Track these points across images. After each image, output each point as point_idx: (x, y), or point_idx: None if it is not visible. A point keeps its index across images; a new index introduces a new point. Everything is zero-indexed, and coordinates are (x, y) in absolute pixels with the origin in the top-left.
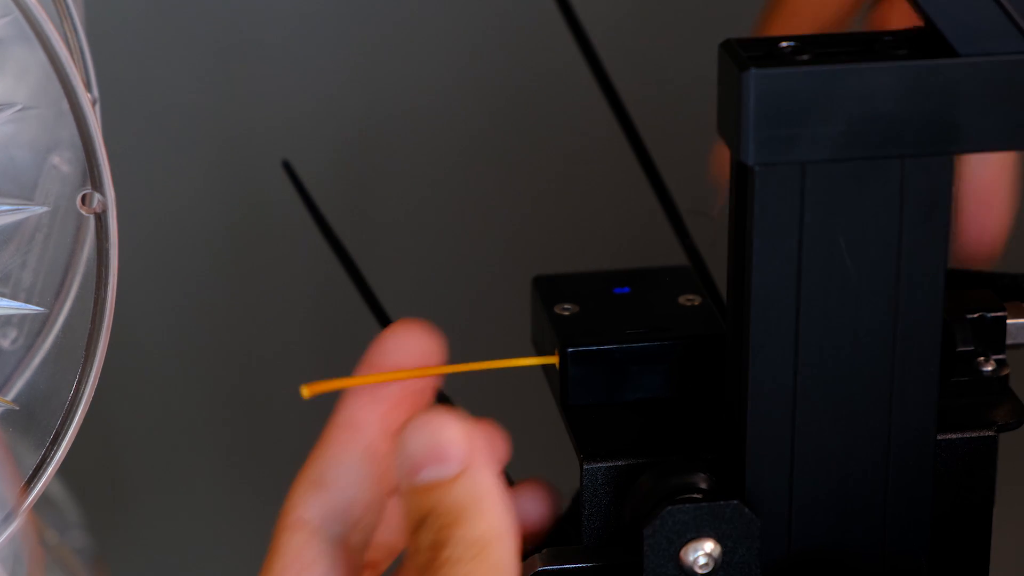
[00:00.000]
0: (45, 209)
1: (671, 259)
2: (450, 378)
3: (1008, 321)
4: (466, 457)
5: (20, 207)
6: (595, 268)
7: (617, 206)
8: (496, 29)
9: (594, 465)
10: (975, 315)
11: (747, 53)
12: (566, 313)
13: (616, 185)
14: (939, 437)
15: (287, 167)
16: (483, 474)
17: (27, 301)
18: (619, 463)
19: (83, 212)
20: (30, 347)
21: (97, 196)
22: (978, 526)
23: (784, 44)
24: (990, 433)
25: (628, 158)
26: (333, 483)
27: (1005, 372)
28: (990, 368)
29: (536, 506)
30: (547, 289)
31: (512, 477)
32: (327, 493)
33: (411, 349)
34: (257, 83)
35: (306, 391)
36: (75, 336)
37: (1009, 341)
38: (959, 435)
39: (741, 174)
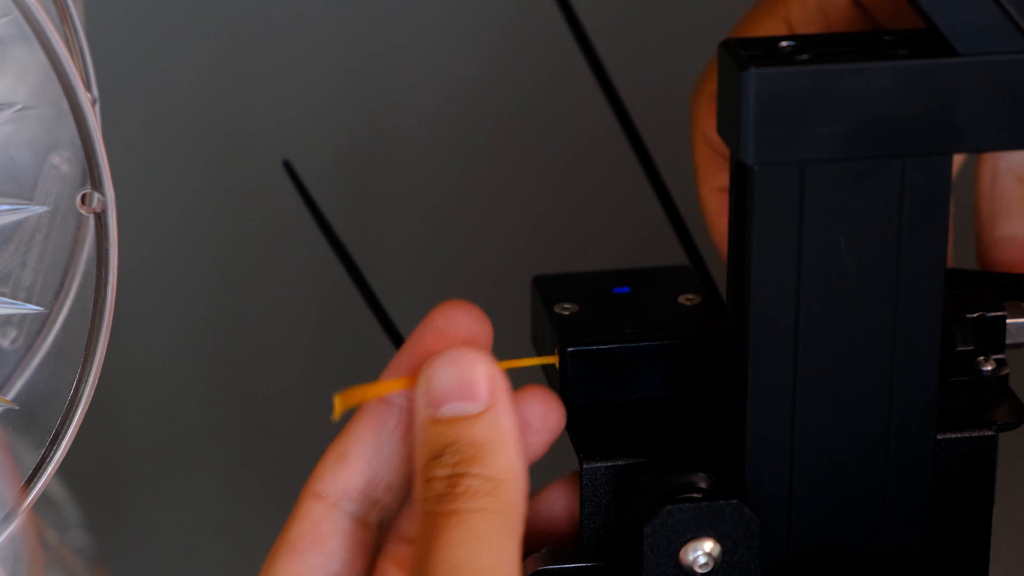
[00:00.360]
0: (45, 209)
1: (671, 259)
2: None
3: (1008, 321)
4: (491, 396)
5: (20, 207)
6: (595, 268)
7: (617, 206)
8: (496, 29)
9: (594, 465)
10: (975, 315)
11: (747, 53)
12: (566, 313)
13: (616, 185)
14: (939, 437)
15: (288, 167)
16: (505, 414)
17: (27, 301)
18: (619, 463)
19: (83, 212)
20: (30, 347)
21: (97, 196)
22: (978, 525)
23: (784, 44)
24: (990, 433)
25: (628, 158)
26: (357, 460)
27: (1005, 372)
28: (990, 368)
29: (543, 415)
30: (547, 289)
31: None
32: (350, 469)
33: (461, 328)
34: (257, 83)
35: (338, 405)
36: (75, 336)
37: (1009, 341)
38: (959, 435)
39: (741, 174)
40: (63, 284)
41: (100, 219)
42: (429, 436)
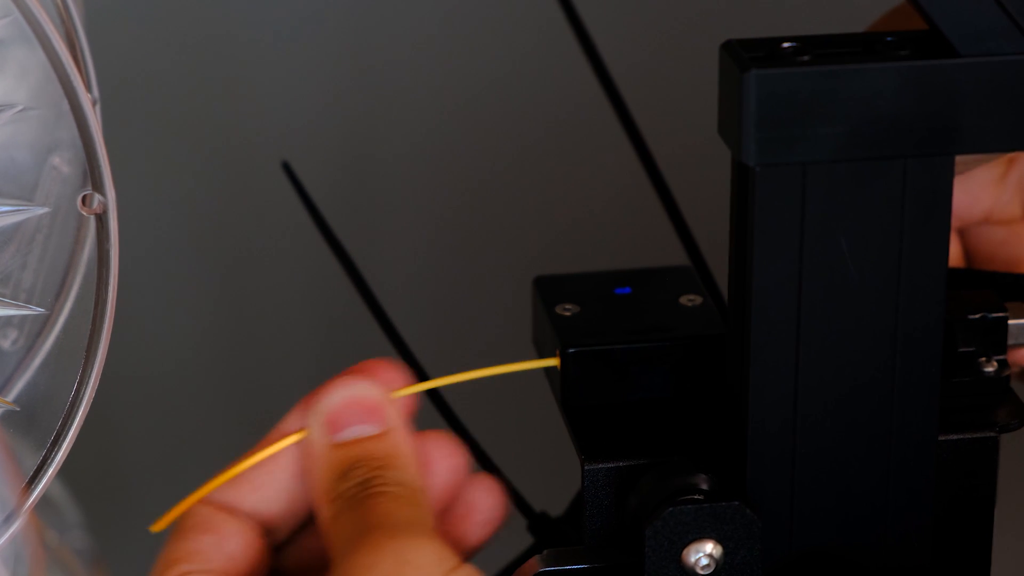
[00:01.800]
0: (45, 210)
1: (672, 259)
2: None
3: (1010, 321)
4: (390, 418)
5: (20, 208)
6: (595, 268)
7: (618, 206)
8: (496, 30)
9: (595, 466)
10: (977, 315)
11: (748, 54)
12: (567, 313)
13: (617, 185)
14: (941, 438)
15: (287, 168)
16: (405, 435)
17: (27, 302)
18: (620, 464)
19: (83, 213)
20: (30, 348)
21: (97, 197)
22: (979, 526)
23: (785, 45)
24: (991, 434)
25: (629, 158)
26: (247, 481)
27: (1007, 373)
28: (992, 369)
29: (444, 457)
30: (548, 289)
31: (510, 480)
32: (238, 488)
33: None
34: (257, 84)
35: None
36: (76, 337)
37: (1011, 342)
38: (961, 436)
39: (742, 175)
40: (64, 285)
41: (101, 220)
42: (331, 460)
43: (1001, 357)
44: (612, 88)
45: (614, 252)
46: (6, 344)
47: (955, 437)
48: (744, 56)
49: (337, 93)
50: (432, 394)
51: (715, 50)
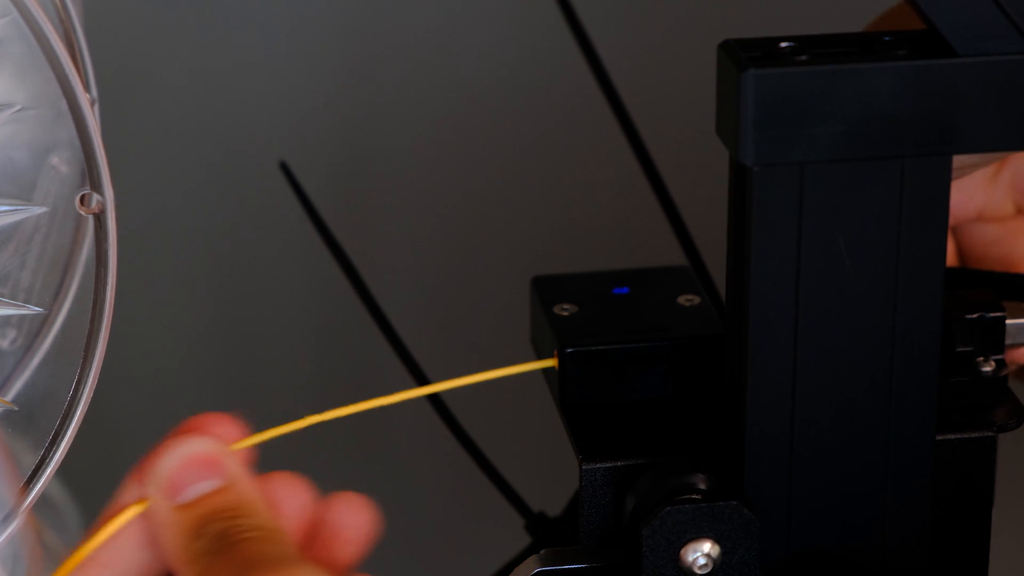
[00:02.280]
0: (44, 210)
1: (669, 259)
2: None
3: (1007, 321)
4: (230, 469)
5: (19, 208)
6: (593, 268)
7: (615, 206)
8: (495, 31)
9: (593, 466)
10: (974, 315)
11: (746, 53)
12: (565, 313)
13: (615, 185)
14: (938, 437)
15: (284, 168)
16: (247, 482)
17: (26, 301)
18: (618, 464)
19: (82, 212)
20: (29, 347)
21: (96, 196)
22: (977, 526)
23: (783, 44)
24: (989, 433)
25: (628, 158)
26: (109, 564)
27: (1004, 372)
28: (989, 368)
29: (291, 496)
30: (546, 289)
31: (508, 479)
32: (104, 570)
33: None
34: (256, 84)
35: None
36: (74, 336)
37: (1008, 341)
38: (958, 435)
39: (740, 175)
40: (62, 285)
41: (99, 220)
42: (180, 523)
43: (999, 357)
44: (610, 88)
45: (612, 252)
46: (5, 344)
47: (953, 437)
48: (742, 56)
49: (335, 94)
50: (431, 396)
51: (713, 50)
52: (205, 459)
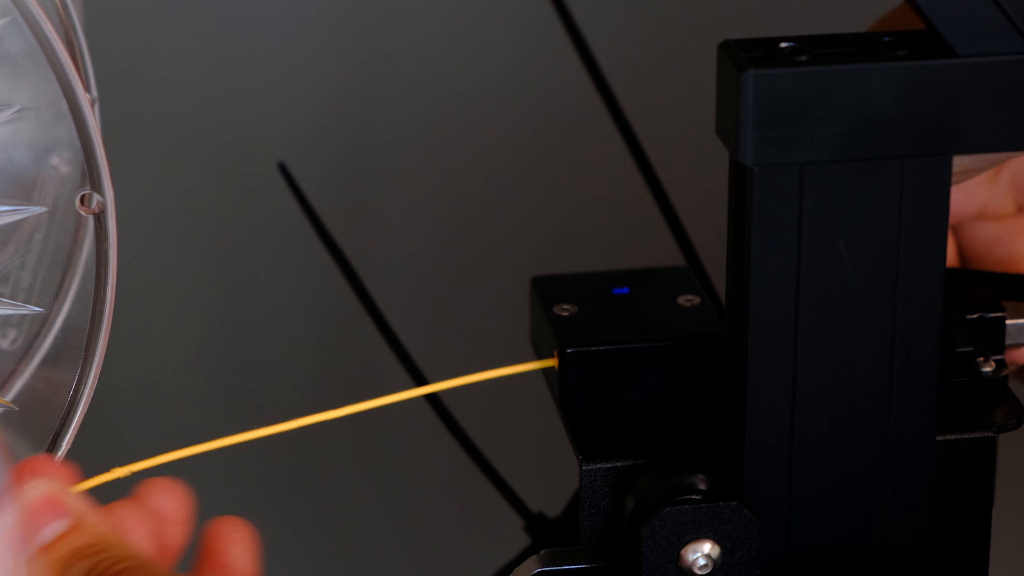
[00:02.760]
0: (44, 210)
1: (669, 259)
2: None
3: (1007, 321)
4: (74, 505)
5: (19, 208)
6: (593, 268)
7: (616, 207)
8: (493, 32)
9: (593, 466)
10: (974, 315)
11: (746, 54)
12: (565, 313)
13: (615, 187)
14: (938, 438)
15: (283, 170)
16: (95, 515)
17: (26, 301)
18: (618, 464)
19: (82, 212)
20: (29, 347)
21: (96, 196)
22: (977, 526)
23: (783, 45)
24: (989, 434)
25: (627, 159)
26: None
27: (1004, 372)
28: (989, 368)
29: (168, 500)
30: (546, 289)
31: (507, 480)
32: None
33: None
34: (255, 85)
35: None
36: (74, 337)
37: (1008, 341)
38: (958, 436)
39: (740, 175)
40: (62, 285)
41: (99, 220)
42: (45, 566)
43: (999, 357)
44: (609, 89)
45: (612, 253)
46: (5, 344)
47: (953, 437)
48: (742, 56)
49: (333, 95)
50: (431, 397)
51: (713, 50)
52: (47, 501)
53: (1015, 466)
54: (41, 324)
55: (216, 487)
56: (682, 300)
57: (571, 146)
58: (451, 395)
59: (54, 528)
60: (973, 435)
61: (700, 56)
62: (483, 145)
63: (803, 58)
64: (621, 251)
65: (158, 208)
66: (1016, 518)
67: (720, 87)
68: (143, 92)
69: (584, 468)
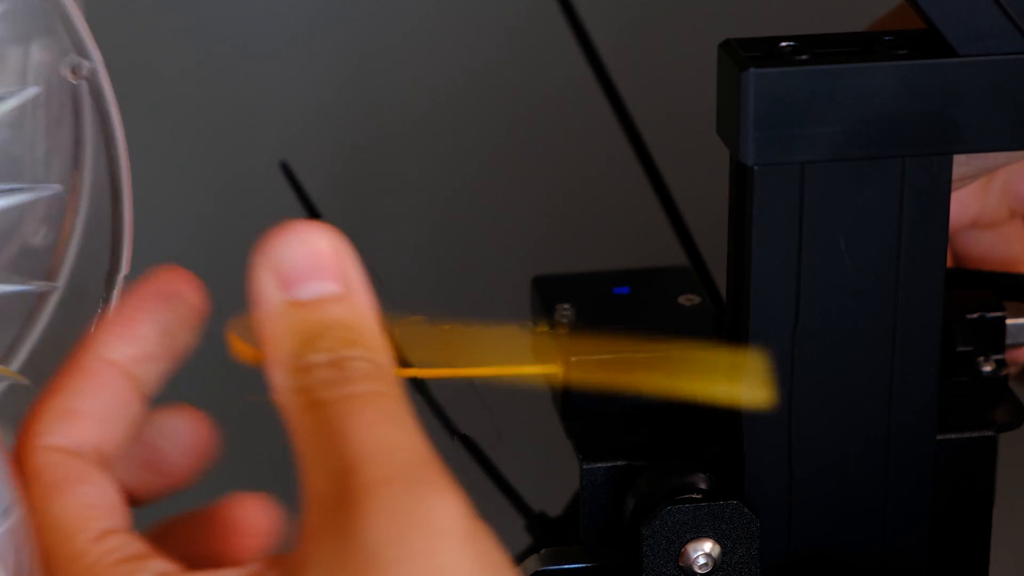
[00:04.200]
0: (38, 89)
1: (670, 259)
2: (448, 382)
3: (1008, 321)
4: (347, 274)
5: (14, 92)
6: (594, 268)
7: (617, 206)
8: (495, 30)
9: (593, 465)
10: (975, 315)
11: (746, 53)
12: (565, 313)
13: (616, 185)
14: (939, 437)
15: (285, 168)
16: (364, 293)
17: (45, 181)
18: (618, 463)
19: (73, 81)
20: (56, 238)
21: (84, 62)
22: (977, 526)
23: (784, 44)
24: (989, 433)
25: (628, 158)
26: (88, 415)
27: (1005, 372)
28: (990, 368)
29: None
30: (547, 289)
31: (508, 479)
32: (81, 423)
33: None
34: (256, 84)
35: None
36: (100, 217)
37: (1009, 341)
38: (959, 435)
39: (740, 174)
40: (76, 159)
41: (93, 86)
42: (293, 321)
43: (999, 357)
44: (611, 88)
45: (613, 252)
46: (37, 240)
47: (953, 436)
48: (742, 55)
49: (335, 93)
50: (429, 396)
51: (713, 50)
52: (327, 256)
53: (1015, 466)
54: (64, 208)
55: (214, 485)
56: (683, 300)
57: (572, 146)
58: (455, 391)
59: (321, 287)
60: (973, 435)
61: (700, 56)
62: (484, 145)
63: (804, 57)
64: (622, 251)
65: (158, 208)
66: (1016, 518)
67: (720, 86)
68: (142, 91)
69: (584, 467)
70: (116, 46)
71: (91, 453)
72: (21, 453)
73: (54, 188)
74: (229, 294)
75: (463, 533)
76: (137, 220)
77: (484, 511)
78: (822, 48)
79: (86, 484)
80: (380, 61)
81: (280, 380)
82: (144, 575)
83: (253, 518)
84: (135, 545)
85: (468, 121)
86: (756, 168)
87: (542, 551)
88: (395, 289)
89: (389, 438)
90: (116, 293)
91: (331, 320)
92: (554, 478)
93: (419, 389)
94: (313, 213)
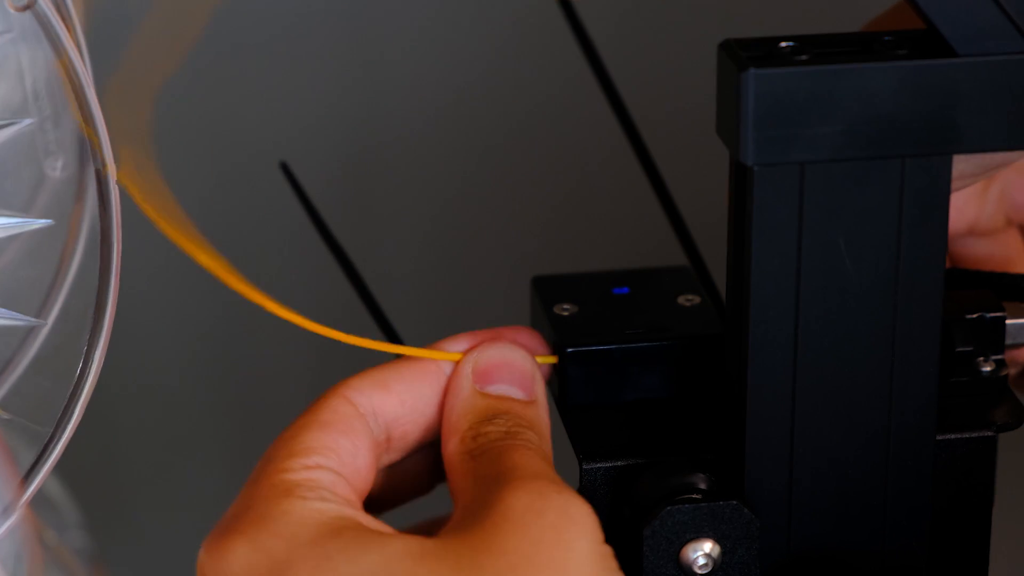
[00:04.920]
0: (31, 121)
1: (670, 259)
2: None
3: (1007, 321)
4: (536, 390)
5: (11, 121)
6: (594, 268)
7: (617, 206)
8: (495, 30)
9: (593, 465)
10: (974, 315)
11: (746, 53)
12: (565, 313)
13: (616, 185)
14: (938, 437)
15: (285, 168)
16: (545, 411)
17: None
18: (618, 463)
19: (12, 11)
20: (79, 172)
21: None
22: (977, 526)
23: (783, 44)
24: (989, 433)
25: (628, 158)
26: (395, 393)
27: (1004, 372)
28: (989, 368)
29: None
30: (546, 289)
31: None
32: (386, 395)
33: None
34: (255, 84)
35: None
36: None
37: (1008, 341)
38: (958, 435)
39: (740, 174)
40: (78, 193)
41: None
42: (477, 405)
43: (999, 357)
44: (610, 88)
45: (612, 252)
46: (56, 172)
47: (953, 436)
48: (742, 55)
49: (335, 93)
50: None
51: (713, 50)
52: (521, 370)
53: (1015, 466)
54: (82, 148)
55: (215, 485)
56: (682, 300)
57: (572, 146)
58: None
59: (509, 390)
60: (973, 435)
61: (700, 56)
62: (484, 145)
63: (803, 57)
64: (622, 251)
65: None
66: (1016, 518)
67: (720, 87)
68: None
69: (584, 468)
70: (116, 47)
71: (383, 424)
72: (330, 393)
73: (44, 222)
74: (230, 293)
75: (591, 543)
76: (137, 220)
77: None
78: (822, 48)
79: (346, 436)
80: (380, 61)
81: (452, 447)
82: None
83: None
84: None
85: (468, 121)
86: (756, 168)
87: None
88: (395, 289)
89: (539, 467)
90: (71, 423)
91: (510, 410)
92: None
93: None
94: (313, 213)
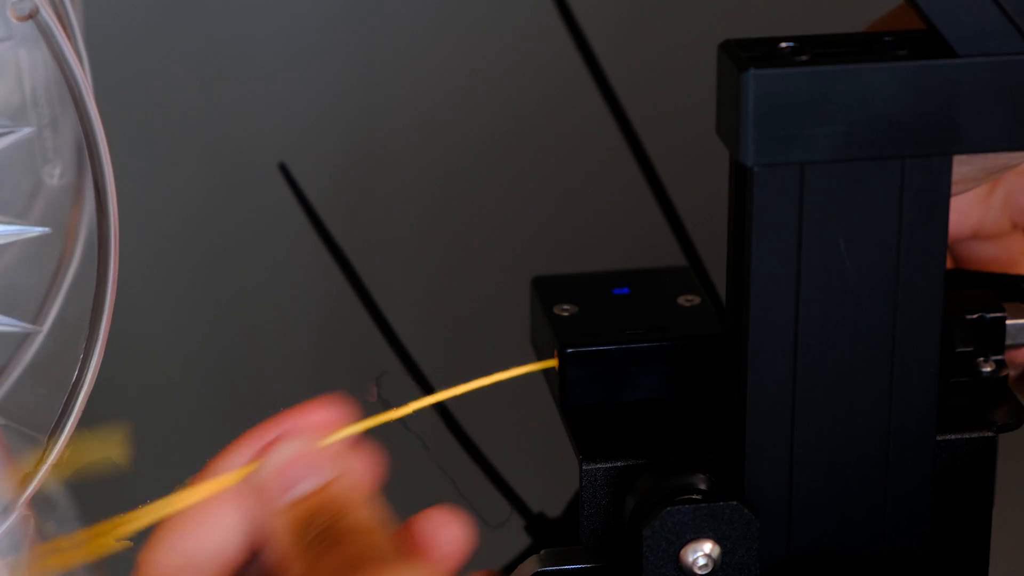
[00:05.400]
0: (30, 129)
1: (670, 259)
2: (448, 382)
3: (1007, 322)
4: (328, 466)
5: (11, 129)
6: (595, 268)
7: (616, 207)
8: (494, 32)
9: (593, 466)
10: (974, 316)
11: (746, 54)
12: (565, 314)
13: (615, 186)
14: (939, 438)
15: (284, 170)
16: (345, 478)
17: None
18: (618, 464)
19: (14, 20)
20: (77, 182)
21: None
22: (977, 526)
23: (783, 45)
24: (989, 434)
25: (627, 159)
26: (212, 533)
27: (1004, 373)
28: (989, 369)
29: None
30: (546, 290)
31: (508, 480)
32: (209, 539)
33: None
34: (255, 86)
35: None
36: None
37: (1008, 342)
38: (959, 435)
39: (740, 175)
40: (75, 200)
41: (39, 26)
42: (290, 518)
43: (999, 357)
44: (610, 89)
45: (612, 253)
46: (54, 181)
47: (953, 437)
48: (742, 56)
49: (334, 95)
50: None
51: (713, 50)
52: (307, 457)
53: (1015, 466)
54: (80, 154)
55: None
56: (682, 300)
57: (572, 146)
58: (455, 397)
59: (307, 485)
60: (973, 435)
61: (700, 56)
62: (484, 146)
63: (803, 58)
64: (622, 251)
65: (157, 210)
66: (1016, 518)
67: (720, 87)
68: (141, 94)
69: (584, 468)
70: (116, 48)
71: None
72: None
73: (41, 230)
74: (229, 294)
75: None
76: (136, 220)
77: (484, 511)
78: (822, 49)
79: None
80: (379, 62)
81: (292, 565)
82: None
83: (445, 532)
84: None
85: (468, 122)
86: (756, 168)
87: (542, 552)
88: (395, 289)
89: (372, 547)
90: (70, 423)
91: (318, 505)
92: (554, 479)
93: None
94: (311, 214)
